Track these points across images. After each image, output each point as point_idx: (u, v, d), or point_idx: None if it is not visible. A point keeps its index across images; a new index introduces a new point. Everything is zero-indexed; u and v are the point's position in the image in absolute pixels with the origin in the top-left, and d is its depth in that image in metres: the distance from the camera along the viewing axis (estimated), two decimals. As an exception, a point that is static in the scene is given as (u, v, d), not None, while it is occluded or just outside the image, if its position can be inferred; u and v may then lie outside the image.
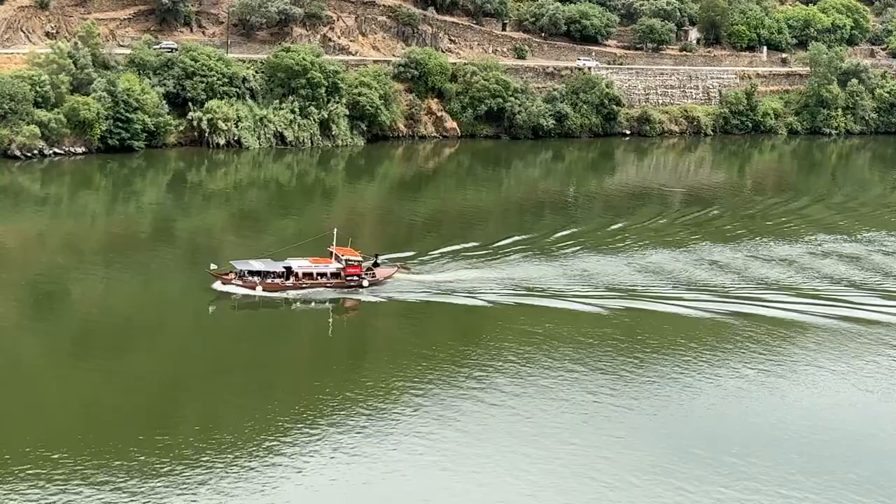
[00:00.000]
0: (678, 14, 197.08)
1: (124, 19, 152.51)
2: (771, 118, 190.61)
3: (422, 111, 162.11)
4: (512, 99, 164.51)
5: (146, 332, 70.48)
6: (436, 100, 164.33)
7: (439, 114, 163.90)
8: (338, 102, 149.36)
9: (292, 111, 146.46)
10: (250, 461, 50.58)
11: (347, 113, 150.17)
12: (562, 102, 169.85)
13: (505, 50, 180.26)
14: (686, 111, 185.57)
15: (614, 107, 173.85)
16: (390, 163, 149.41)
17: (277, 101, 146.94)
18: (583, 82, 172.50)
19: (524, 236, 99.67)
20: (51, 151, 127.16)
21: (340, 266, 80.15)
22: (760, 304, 79.95)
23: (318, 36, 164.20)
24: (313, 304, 77.97)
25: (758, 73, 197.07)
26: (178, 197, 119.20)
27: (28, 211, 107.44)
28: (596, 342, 70.39)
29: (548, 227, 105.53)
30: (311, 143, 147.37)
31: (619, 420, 57.80)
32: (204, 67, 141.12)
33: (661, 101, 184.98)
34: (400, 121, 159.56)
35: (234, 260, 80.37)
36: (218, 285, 77.80)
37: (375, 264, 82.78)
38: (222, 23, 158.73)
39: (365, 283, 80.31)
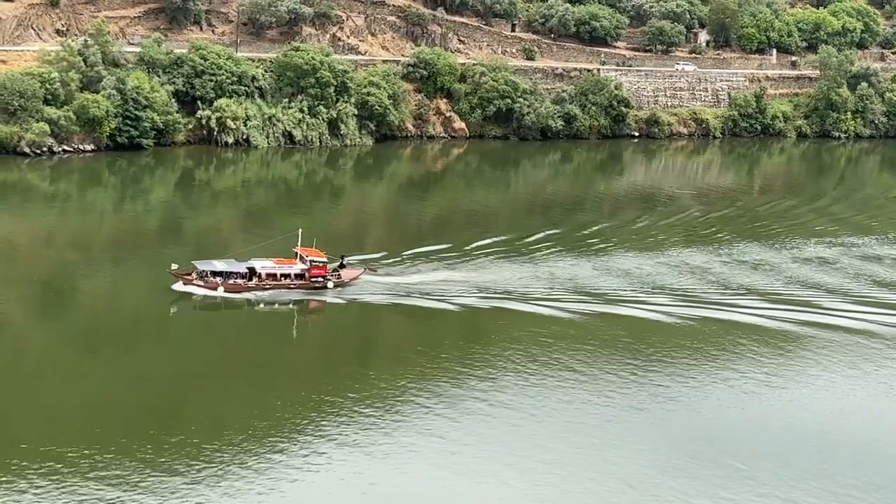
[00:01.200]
0: (688, 16, 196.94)
1: (134, 17, 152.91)
2: (780, 121, 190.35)
3: (430, 111, 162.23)
4: (521, 100, 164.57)
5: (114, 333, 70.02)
6: (445, 100, 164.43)
7: (448, 114, 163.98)
8: (347, 102, 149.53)
9: (301, 110, 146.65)
10: (218, 469, 49.89)
11: (356, 112, 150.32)
12: (570, 104, 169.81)
13: (514, 51, 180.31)
14: (695, 113, 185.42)
15: (623, 109, 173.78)
16: (398, 163, 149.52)
17: (286, 100, 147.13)
18: (592, 84, 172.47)
19: (500, 237, 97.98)
20: (60, 149, 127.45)
21: (305, 267, 78.70)
22: (767, 314, 78.54)
23: (328, 35, 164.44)
24: (276, 305, 76.39)
25: (767, 76, 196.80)
26: (186, 195, 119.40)
27: (37, 208, 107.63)
28: (569, 346, 69.66)
29: (525, 229, 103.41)
30: (320, 142, 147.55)
31: (613, 427, 57.67)
32: (213, 66, 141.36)
33: (669, 104, 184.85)
34: (409, 121, 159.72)
35: (196, 260, 78.55)
36: (179, 286, 76.20)
37: (342, 265, 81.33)
38: (232, 21, 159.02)
39: (330, 284, 78.92)
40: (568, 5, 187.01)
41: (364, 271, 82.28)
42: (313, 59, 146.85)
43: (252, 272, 77.74)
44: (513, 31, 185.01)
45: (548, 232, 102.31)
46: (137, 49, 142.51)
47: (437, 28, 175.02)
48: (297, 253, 79.97)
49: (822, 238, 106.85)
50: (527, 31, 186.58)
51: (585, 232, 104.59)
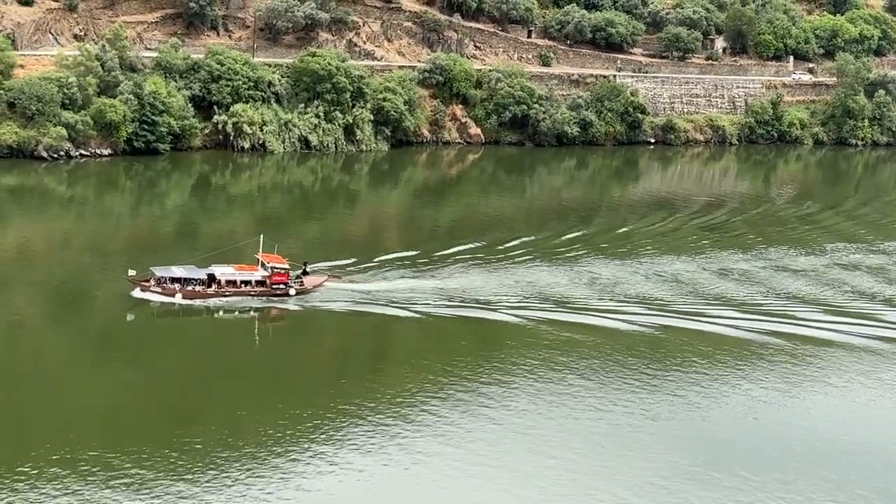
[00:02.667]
0: (704, 23, 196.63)
1: (151, 23, 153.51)
2: (797, 128, 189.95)
3: (446, 117, 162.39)
4: (536, 106, 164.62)
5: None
6: (460, 106, 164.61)
7: (464, 120, 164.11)
8: (363, 107, 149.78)
9: (317, 116, 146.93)
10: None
11: (372, 118, 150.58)
12: (586, 110, 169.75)
13: (530, 57, 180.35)
14: (711, 120, 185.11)
15: (639, 115, 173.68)
16: (413, 168, 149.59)
17: (302, 105, 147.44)
18: (608, 90, 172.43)
19: (474, 244, 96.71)
20: (77, 153, 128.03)
21: (266, 274, 77.20)
22: (788, 322, 78.02)
23: (344, 41, 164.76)
24: (237, 312, 74.74)
25: (784, 83, 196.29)
26: (202, 199, 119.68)
27: (54, 212, 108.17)
28: (584, 353, 69.54)
29: (497, 238, 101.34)
30: (336, 147, 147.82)
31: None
32: (230, 71, 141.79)
33: (686, 110, 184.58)
34: (424, 126, 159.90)
35: (155, 266, 77.12)
36: (137, 293, 74.79)
37: (304, 272, 79.88)
38: (249, 27, 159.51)
39: (292, 291, 77.33)
40: (584, 11, 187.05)
41: (328, 278, 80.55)
42: (329, 64, 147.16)
43: (211, 279, 76.13)
44: (529, 37, 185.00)
45: (523, 239, 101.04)
46: (155, 54, 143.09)
47: (453, 34, 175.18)
48: (258, 259, 78.51)
49: (820, 250, 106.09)
50: (543, 38, 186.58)
51: (603, 237, 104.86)
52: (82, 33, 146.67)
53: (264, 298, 76.69)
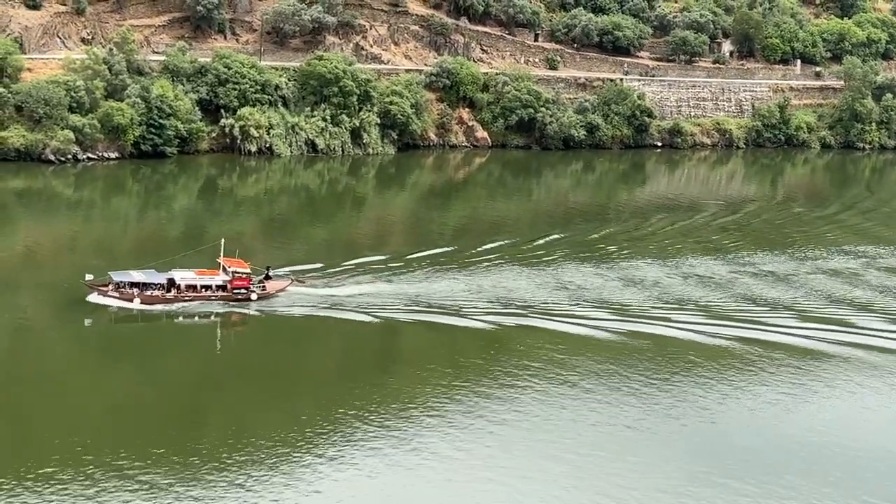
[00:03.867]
0: (712, 26, 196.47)
1: (159, 26, 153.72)
2: (804, 132, 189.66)
3: (453, 120, 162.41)
4: (543, 109, 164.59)
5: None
6: (467, 109, 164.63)
7: (470, 123, 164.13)
8: (369, 111, 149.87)
9: (324, 119, 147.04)
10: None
11: (379, 121, 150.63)
12: (593, 113, 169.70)
13: (537, 60, 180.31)
14: (718, 124, 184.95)
15: (646, 118, 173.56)
16: (420, 172, 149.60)
17: (309, 108, 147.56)
18: (615, 94, 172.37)
19: (443, 249, 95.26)
20: (84, 156, 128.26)
21: (227, 278, 75.98)
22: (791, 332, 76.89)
23: (351, 44, 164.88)
24: (196, 317, 73.56)
25: (791, 87, 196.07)
26: (209, 203, 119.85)
27: (61, 215, 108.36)
28: (591, 358, 69.42)
29: (469, 242, 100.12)
30: (342, 151, 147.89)
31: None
32: (237, 75, 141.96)
33: (693, 114, 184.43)
34: (431, 130, 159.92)
35: (113, 271, 75.75)
36: (94, 297, 73.63)
37: (267, 276, 78.82)
38: (256, 30, 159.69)
39: (253, 296, 76.24)
40: (591, 15, 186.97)
41: (291, 283, 79.39)
42: (336, 67, 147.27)
43: (171, 283, 75.08)
44: (536, 40, 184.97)
45: (499, 242, 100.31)
46: (162, 57, 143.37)
47: (459, 37, 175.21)
48: (220, 263, 77.37)
49: (846, 249, 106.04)
50: (550, 41, 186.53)
51: (602, 238, 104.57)
52: (90, 37, 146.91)
53: (226, 303, 75.44)
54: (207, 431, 55.29)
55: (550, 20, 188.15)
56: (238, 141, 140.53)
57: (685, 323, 76.71)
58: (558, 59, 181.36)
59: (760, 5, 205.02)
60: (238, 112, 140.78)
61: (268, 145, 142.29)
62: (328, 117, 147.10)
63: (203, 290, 75.71)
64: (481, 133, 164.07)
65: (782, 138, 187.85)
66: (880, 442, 58.44)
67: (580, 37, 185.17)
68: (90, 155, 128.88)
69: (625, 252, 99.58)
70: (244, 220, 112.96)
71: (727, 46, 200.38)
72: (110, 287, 74.32)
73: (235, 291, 76.05)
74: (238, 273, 76.38)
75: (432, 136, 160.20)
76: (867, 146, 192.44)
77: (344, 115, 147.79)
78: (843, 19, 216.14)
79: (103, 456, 50.65)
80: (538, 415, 58.83)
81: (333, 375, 65.63)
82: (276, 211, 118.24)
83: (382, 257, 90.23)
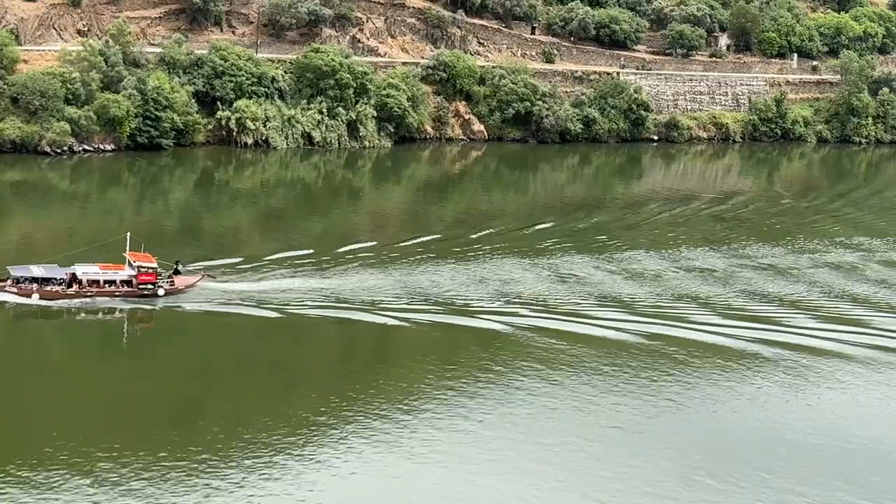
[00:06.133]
0: (708, 20, 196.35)
1: (155, 18, 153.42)
2: (800, 126, 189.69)
3: (449, 114, 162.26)
4: (540, 103, 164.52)
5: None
6: (464, 102, 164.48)
7: (467, 116, 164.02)
8: (366, 104, 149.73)
9: (320, 112, 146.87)
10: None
11: (375, 114, 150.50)
12: (590, 107, 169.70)
13: (533, 54, 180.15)
14: (715, 117, 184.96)
15: (642, 112, 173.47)
16: (416, 165, 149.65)
17: (305, 101, 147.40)
18: (611, 87, 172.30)
19: (366, 244, 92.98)
20: (80, 148, 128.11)
21: (133, 273, 73.10)
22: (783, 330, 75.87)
23: (348, 37, 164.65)
24: (100, 314, 70.59)
25: (787, 81, 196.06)
26: (205, 195, 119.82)
27: (57, 207, 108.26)
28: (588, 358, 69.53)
29: (393, 236, 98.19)
30: (339, 143, 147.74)
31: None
32: (233, 67, 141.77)
33: (689, 108, 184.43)
34: (427, 123, 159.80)
35: (12, 265, 72.96)
36: None
37: (176, 272, 76.10)
38: (252, 23, 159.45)
39: (161, 291, 73.39)
40: (588, 8, 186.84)
41: (202, 278, 76.72)
42: (333, 60, 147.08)
43: (73, 278, 72.21)
44: (532, 33, 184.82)
45: (428, 237, 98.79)
46: (158, 49, 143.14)
47: (456, 30, 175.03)
48: (126, 258, 74.75)
49: (845, 242, 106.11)
50: (546, 34, 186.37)
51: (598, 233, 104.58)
52: (86, 28, 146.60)
53: (131, 299, 72.76)
54: (81, 437, 51.79)
55: (547, 13, 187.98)
56: (234, 133, 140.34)
57: (681, 320, 76.23)
58: (555, 52, 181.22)
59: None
60: (234, 104, 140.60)
61: (264, 138, 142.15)
62: (324, 110, 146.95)
63: (107, 285, 72.68)
64: (478, 126, 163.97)
65: (778, 132, 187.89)
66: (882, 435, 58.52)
67: (577, 30, 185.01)
68: (86, 147, 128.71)
69: (619, 245, 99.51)
70: (246, 214, 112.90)
71: (724, 40, 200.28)
72: (8, 282, 71.45)
73: (141, 287, 73.04)
74: (144, 268, 73.41)
75: (429, 129, 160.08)
76: (863, 140, 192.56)
77: (340, 108, 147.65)
78: (839, 13, 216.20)
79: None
80: (523, 413, 58.84)
81: (234, 372, 62.86)
82: (272, 204, 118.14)
83: (307, 252, 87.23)
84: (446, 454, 52.35)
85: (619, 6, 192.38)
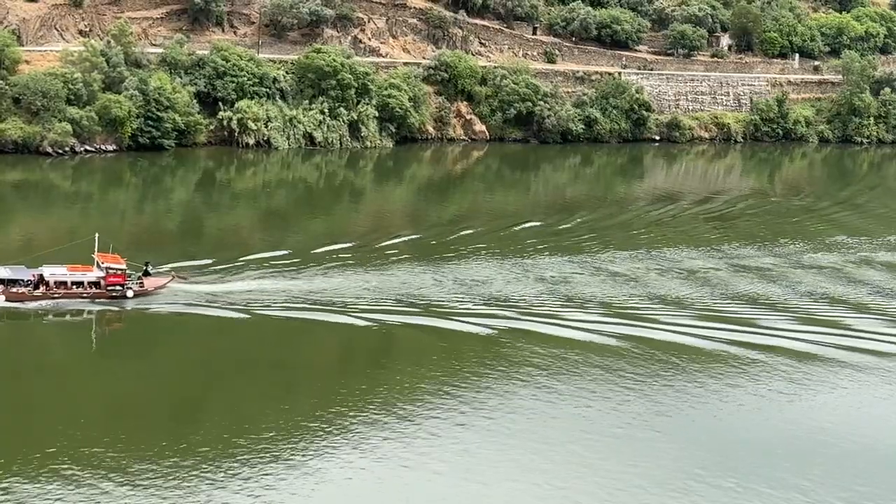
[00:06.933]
0: (710, 20, 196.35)
1: (156, 18, 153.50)
2: (802, 126, 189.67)
3: (451, 114, 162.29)
4: (541, 103, 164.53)
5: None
6: (465, 103, 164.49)
7: (468, 117, 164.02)
8: (367, 104, 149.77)
9: (322, 112, 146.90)
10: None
11: (377, 115, 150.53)
12: (591, 107, 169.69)
13: (535, 54, 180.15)
14: (716, 118, 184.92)
15: (644, 112, 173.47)
16: (418, 165, 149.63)
17: (307, 101, 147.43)
18: (613, 87, 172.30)
19: (347, 244, 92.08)
20: (82, 149, 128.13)
21: (101, 274, 71.90)
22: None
23: (349, 37, 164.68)
24: (68, 316, 69.36)
25: (789, 81, 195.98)
26: (207, 196, 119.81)
27: (58, 207, 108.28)
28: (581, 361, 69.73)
29: (373, 237, 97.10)
30: (340, 144, 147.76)
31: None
32: (235, 67, 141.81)
33: (691, 108, 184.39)
34: (429, 123, 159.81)
35: None
36: None
37: (146, 273, 74.87)
38: (254, 23, 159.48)
39: (129, 293, 72.16)
40: (589, 9, 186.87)
41: (172, 279, 75.51)
42: (334, 60, 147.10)
43: (41, 280, 71.00)
44: (534, 34, 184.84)
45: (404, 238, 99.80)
46: (160, 50, 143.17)
47: (458, 31, 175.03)
48: (95, 259, 73.36)
49: (844, 243, 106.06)
50: (548, 34, 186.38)
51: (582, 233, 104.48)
52: (87, 29, 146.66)
53: (99, 301, 71.52)
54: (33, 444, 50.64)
55: (549, 14, 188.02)
56: (236, 134, 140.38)
57: (677, 323, 75.70)
58: (556, 52, 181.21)
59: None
60: (236, 105, 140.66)
61: (266, 138, 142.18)
62: (326, 110, 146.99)
63: (74, 286, 71.54)
64: (479, 126, 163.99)
65: (780, 132, 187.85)
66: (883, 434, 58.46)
67: (578, 30, 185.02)
68: (87, 147, 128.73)
69: (621, 245, 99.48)
70: (248, 214, 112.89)
71: (725, 40, 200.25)
72: None
73: (110, 288, 71.95)
74: (112, 269, 72.22)
75: (430, 129, 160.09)
76: (865, 140, 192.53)
77: (342, 109, 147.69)
78: (841, 13, 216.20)
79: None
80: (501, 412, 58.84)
81: (203, 374, 62.07)
82: (273, 204, 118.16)
83: (282, 253, 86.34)
84: (446, 456, 52.18)
85: (621, 6, 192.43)
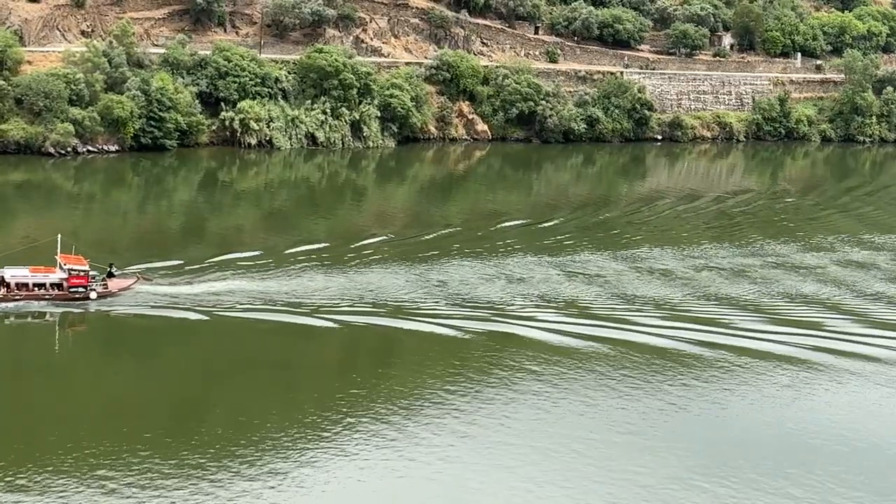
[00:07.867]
0: (712, 19, 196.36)
1: (158, 19, 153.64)
2: (804, 125, 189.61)
3: (453, 114, 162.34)
4: (543, 102, 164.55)
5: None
6: (467, 102, 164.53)
7: (470, 116, 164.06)
8: (369, 104, 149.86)
9: (324, 112, 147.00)
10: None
11: (379, 114, 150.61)
12: (593, 107, 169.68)
13: (537, 53, 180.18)
14: (718, 117, 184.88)
15: (646, 112, 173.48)
16: (420, 165, 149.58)
17: (309, 101, 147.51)
18: (615, 87, 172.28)
19: (321, 245, 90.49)
20: (84, 149, 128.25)
21: (63, 276, 71.08)
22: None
23: (351, 37, 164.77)
24: (29, 318, 68.50)
25: (791, 80, 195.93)
26: (209, 196, 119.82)
27: (60, 208, 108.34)
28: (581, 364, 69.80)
29: (352, 236, 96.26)
30: (342, 144, 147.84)
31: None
32: (237, 67, 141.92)
33: (693, 107, 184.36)
34: (431, 123, 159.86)
35: None
36: None
37: (110, 274, 74.12)
38: (256, 23, 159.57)
39: (93, 294, 71.38)
40: (591, 8, 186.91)
41: (137, 280, 74.74)
42: (336, 60, 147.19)
43: (1, 281, 70.37)
44: (536, 33, 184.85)
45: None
46: (162, 50, 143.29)
47: (460, 30, 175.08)
48: (57, 261, 72.47)
49: (851, 240, 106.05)
50: (550, 34, 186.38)
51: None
52: (90, 30, 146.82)
53: (61, 303, 70.62)
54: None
55: (550, 13, 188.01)
56: (238, 134, 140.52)
57: (677, 326, 75.23)
58: (558, 52, 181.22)
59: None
60: (238, 105, 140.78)
61: (268, 138, 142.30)
62: (328, 110, 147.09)
63: (36, 288, 70.86)
64: (481, 126, 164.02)
65: (782, 131, 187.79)
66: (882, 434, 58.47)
67: (580, 30, 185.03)
68: (90, 148, 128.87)
69: (626, 242, 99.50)
70: (250, 214, 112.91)
71: (727, 39, 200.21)
72: None
73: (72, 290, 71.16)
74: (75, 271, 71.38)
75: (432, 129, 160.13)
76: (868, 139, 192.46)
77: (344, 108, 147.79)
78: (843, 12, 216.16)
79: None
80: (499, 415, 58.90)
81: (165, 376, 61.09)
82: (275, 204, 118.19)
83: (254, 253, 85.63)
84: (446, 457, 52.20)
85: (623, 6, 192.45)
